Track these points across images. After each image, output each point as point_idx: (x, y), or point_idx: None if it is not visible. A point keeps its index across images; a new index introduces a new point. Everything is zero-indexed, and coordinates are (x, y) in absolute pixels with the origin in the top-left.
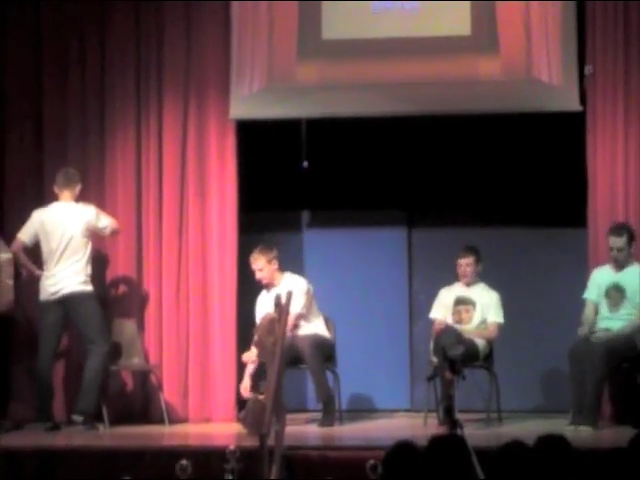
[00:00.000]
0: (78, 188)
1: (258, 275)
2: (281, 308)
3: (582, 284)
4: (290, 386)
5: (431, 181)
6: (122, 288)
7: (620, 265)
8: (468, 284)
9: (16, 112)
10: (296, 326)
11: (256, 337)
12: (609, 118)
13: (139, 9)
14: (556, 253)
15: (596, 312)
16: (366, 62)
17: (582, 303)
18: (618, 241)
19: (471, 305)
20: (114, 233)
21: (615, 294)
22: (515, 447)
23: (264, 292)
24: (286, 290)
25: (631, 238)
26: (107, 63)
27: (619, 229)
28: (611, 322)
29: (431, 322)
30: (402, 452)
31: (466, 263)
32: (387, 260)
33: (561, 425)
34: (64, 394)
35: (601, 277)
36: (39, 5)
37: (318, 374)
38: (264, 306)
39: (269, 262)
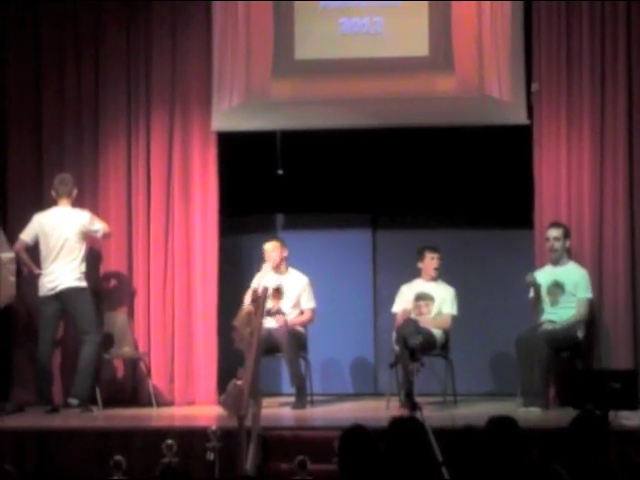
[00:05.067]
0: (74, 193)
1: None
2: (258, 303)
3: None
4: (266, 372)
5: (393, 188)
6: (114, 283)
7: (557, 260)
8: (429, 280)
9: (17, 124)
10: (312, 319)
11: (235, 326)
12: (553, 130)
13: (129, 30)
14: (506, 252)
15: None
16: (334, 80)
17: (527, 297)
18: (555, 231)
19: (430, 300)
20: (106, 236)
21: (555, 290)
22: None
23: (266, 267)
24: (290, 281)
25: (567, 234)
26: (100, 80)
27: (556, 223)
28: (553, 315)
29: (393, 315)
30: (354, 434)
31: (436, 257)
32: (354, 259)
33: (510, 406)
34: (61, 379)
35: (542, 276)
36: (38, 25)
37: (292, 362)
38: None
39: (281, 247)
